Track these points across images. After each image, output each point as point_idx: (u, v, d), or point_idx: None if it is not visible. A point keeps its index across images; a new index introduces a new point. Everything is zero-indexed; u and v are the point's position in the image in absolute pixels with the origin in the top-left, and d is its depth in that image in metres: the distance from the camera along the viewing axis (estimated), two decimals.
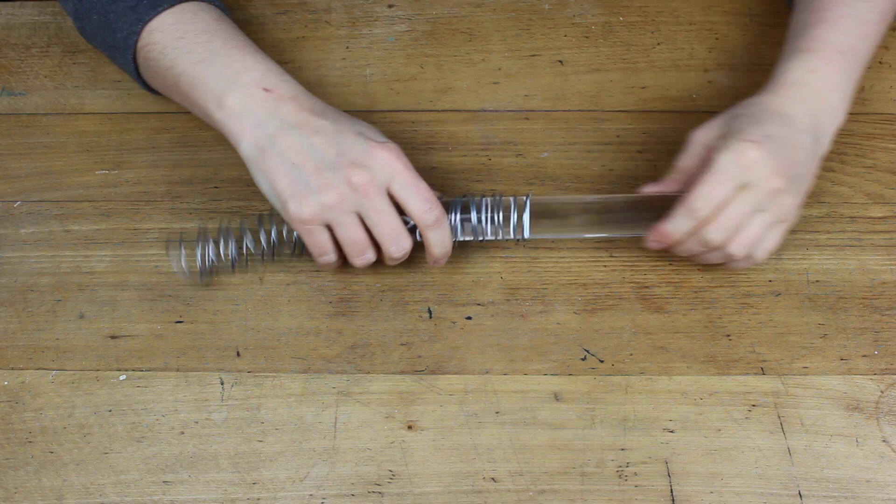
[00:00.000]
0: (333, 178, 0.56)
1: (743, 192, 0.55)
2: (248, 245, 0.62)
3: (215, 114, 0.59)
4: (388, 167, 0.57)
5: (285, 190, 0.57)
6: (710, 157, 0.56)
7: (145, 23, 0.61)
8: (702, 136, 0.59)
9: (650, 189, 0.61)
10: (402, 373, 0.61)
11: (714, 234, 0.56)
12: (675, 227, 0.57)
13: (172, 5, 0.62)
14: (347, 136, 0.57)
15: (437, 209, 0.58)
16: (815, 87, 0.60)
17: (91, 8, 0.64)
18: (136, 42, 0.62)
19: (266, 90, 0.58)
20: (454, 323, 0.63)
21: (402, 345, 0.62)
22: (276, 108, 0.58)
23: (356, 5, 0.77)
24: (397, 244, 0.58)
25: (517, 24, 0.76)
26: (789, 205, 0.57)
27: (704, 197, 0.55)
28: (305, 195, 0.56)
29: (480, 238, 0.61)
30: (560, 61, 0.74)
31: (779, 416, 0.59)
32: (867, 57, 0.63)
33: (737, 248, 0.57)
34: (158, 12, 0.61)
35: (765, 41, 0.74)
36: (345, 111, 0.61)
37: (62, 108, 0.73)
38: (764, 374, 0.60)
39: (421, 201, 0.57)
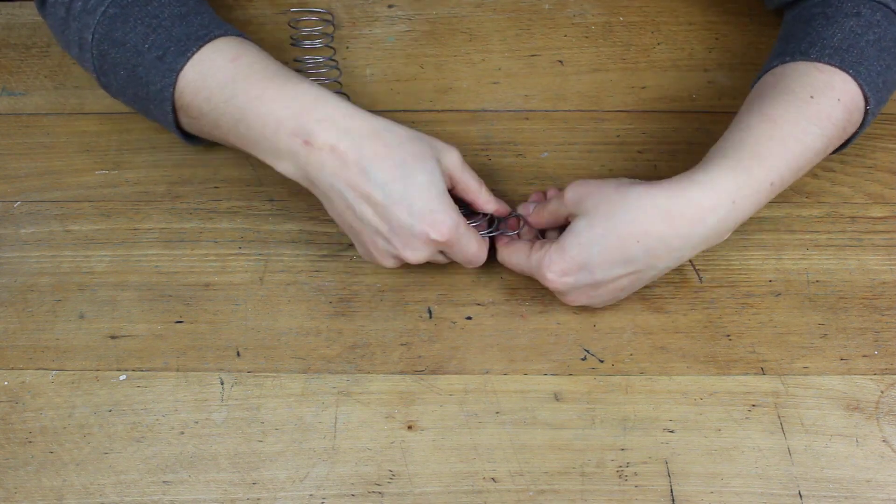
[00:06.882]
0: (389, 250, 0.57)
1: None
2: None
3: (278, 167, 0.58)
4: (435, 246, 0.57)
5: (356, 245, 0.61)
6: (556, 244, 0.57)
7: (178, 72, 0.58)
8: (571, 197, 0.57)
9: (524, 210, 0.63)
10: (402, 373, 0.61)
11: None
12: (513, 263, 0.60)
13: (200, 47, 0.58)
14: (397, 213, 0.55)
15: (482, 256, 0.60)
16: (720, 219, 0.54)
17: (117, 64, 0.60)
18: (172, 94, 0.59)
19: (306, 143, 0.55)
20: (454, 323, 0.63)
21: (402, 345, 0.62)
22: (320, 164, 0.55)
23: (356, 5, 0.77)
24: (476, 264, 0.60)
25: (517, 24, 0.76)
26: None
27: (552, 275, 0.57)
28: (371, 256, 0.59)
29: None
30: (560, 61, 0.74)
31: (779, 416, 0.59)
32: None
33: None
34: (189, 58, 0.58)
35: (765, 41, 0.74)
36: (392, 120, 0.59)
37: (62, 108, 0.73)
38: (764, 374, 0.60)
39: (466, 261, 0.60)
